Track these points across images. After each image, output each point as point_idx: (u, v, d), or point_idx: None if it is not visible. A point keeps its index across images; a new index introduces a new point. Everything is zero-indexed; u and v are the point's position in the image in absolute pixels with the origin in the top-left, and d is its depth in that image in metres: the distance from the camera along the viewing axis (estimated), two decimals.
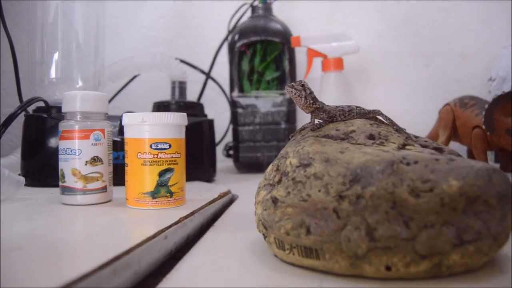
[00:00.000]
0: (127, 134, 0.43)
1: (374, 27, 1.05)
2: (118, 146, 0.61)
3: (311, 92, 0.35)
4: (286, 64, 0.80)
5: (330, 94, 0.80)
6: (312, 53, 0.81)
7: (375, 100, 1.04)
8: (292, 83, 0.35)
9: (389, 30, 1.05)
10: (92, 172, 0.45)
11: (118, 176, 0.52)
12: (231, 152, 0.92)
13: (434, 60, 1.04)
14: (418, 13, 1.03)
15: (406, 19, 1.04)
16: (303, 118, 0.92)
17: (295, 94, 0.34)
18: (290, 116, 0.80)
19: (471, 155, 0.81)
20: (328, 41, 0.82)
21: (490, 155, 0.91)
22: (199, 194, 0.52)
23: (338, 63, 0.81)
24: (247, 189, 0.58)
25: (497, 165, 0.79)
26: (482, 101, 0.76)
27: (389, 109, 1.01)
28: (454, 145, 0.85)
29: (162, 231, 0.33)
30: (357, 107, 0.36)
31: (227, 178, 0.77)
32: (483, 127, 0.69)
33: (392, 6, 1.04)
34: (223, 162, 0.97)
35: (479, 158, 0.71)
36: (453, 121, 0.78)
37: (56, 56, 0.70)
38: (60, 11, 0.70)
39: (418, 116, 1.01)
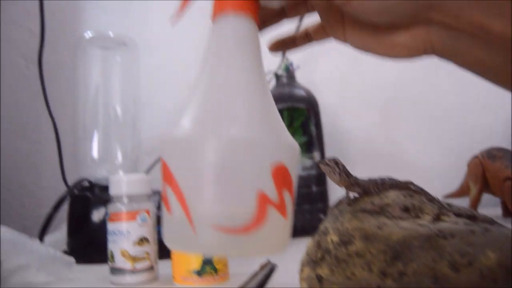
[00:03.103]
0: None
1: (395, 80, 1.08)
2: (159, 221, 0.63)
3: (344, 168, 0.37)
4: (312, 129, 0.82)
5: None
6: None
7: (401, 154, 1.06)
8: (326, 160, 0.37)
9: (410, 83, 1.07)
10: (140, 252, 0.47)
11: (160, 248, 0.54)
12: None
13: (458, 110, 1.06)
14: (438, 65, 1.06)
15: (427, 67, 1.07)
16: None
17: (329, 170, 0.37)
18: (321, 179, 0.82)
19: (505, 206, 0.80)
20: None
21: None
22: (239, 266, 0.53)
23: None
24: (284, 257, 0.59)
25: None
26: (510, 152, 0.77)
27: (416, 162, 1.01)
28: (487, 197, 0.84)
29: None
30: (389, 178, 0.38)
31: None
32: None
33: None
34: None
35: None
36: (483, 174, 0.79)
37: (97, 134, 0.74)
38: (100, 89, 0.75)
39: (448, 169, 1.02)
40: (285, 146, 0.27)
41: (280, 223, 0.26)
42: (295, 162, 0.28)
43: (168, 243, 0.27)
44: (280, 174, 0.26)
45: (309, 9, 0.37)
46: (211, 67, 0.29)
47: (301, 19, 0.44)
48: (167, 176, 0.27)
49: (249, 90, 0.28)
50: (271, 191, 0.26)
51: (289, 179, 0.27)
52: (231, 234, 0.25)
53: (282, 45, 0.40)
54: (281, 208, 0.26)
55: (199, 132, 0.26)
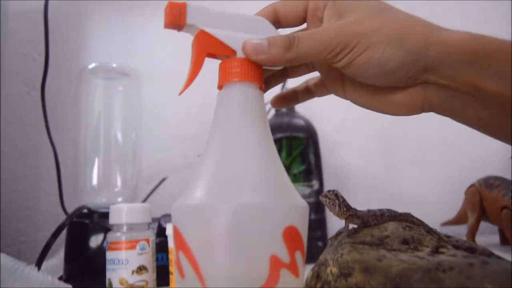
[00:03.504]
0: (172, 244, 0.46)
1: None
2: (157, 248, 0.63)
3: (344, 200, 0.37)
4: (311, 157, 0.83)
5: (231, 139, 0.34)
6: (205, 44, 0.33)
7: (399, 183, 1.06)
8: (326, 193, 0.38)
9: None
10: (139, 281, 0.47)
11: (158, 276, 0.54)
12: None
13: (455, 138, 1.07)
14: None
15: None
16: None
17: (329, 203, 0.37)
18: (319, 207, 0.82)
19: (502, 234, 0.81)
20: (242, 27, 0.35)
21: None
22: None
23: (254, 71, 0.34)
24: None
25: None
26: (507, 181, 0.77)
27: (414, 191, 1.02)
28: (484, 225, 0.84)
29: None
30: (387, 210, 0.38)
31: None
32: None
33: None
34: None
35: None
36: (480, 202, 0.79)
37: (97, 161, 0.75)
38: (102, 118, 0.76)
39: (445, 197, 1.02)
40: (295, 208, 0.28)
41: (292, 282, 0.27)
42: (305, 221, 0.29)
43: None
44: (292, 236, 0.27)
45: (310, 68, 0.39)
46: (220, 135, 0.30)
47: (284, 84, 0.47)
48: (180, 243, 0.27)
49: (258, 155, 0.29)
50: (283, 253, 0.26)
51: (300, 240, 0.28)
52: None
53: (285, 101, 0.42)
54: (293, 268, 0.27)
55: (211, 199, 0.27)
